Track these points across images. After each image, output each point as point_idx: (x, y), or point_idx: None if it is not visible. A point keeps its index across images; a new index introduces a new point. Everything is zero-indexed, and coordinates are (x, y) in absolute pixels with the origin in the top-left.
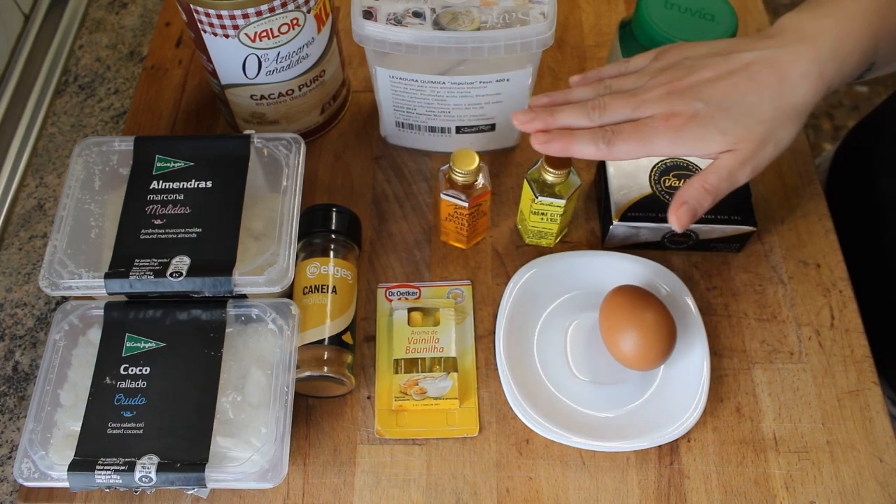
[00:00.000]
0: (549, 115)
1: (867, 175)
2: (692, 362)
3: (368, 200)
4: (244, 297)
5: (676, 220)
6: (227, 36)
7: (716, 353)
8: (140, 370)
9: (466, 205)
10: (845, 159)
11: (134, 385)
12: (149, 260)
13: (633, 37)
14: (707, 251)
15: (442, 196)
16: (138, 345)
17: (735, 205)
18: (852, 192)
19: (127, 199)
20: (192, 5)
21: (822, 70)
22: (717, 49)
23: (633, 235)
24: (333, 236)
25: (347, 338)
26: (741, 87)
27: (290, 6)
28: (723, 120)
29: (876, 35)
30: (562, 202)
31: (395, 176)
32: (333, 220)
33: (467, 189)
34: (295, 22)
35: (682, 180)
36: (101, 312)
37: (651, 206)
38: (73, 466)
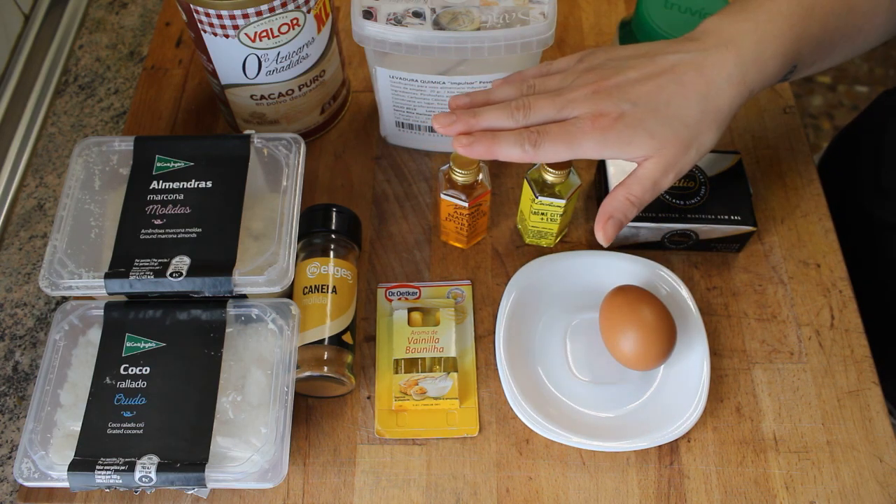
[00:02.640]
0: (472, 116)
1: (851, 188)
2: (692, 362)
3: (368, 200)
4: (244, 297)
5: (603, 235)
6: (227, 36)
7: (716, 353)
8: (140, 370)
9: (466, 205)
10: (827, 174)
11: (134, 385)
12: (149, 260)
13: (633, 37)
14: (707, 251)
15: (442, 196)
16: (138, 345)
17: (735, 205)
18: (835, 206)
19: (127, 199)
20: (192, 5)
21: (744, 73)
22: (642, 51)
23: (633, 235)
24: (333, 236)
25: (347, 338)
26: (668, 89)
27: (290, 6)
28: (651, 121)
29: (798, 38)
30: (562, 202)
31: (395, 176)
32: (333, 220)
33: (467, 189)
34: (295, 22)
35: (682, 180)
36: (101, 312)
37: (651, 206)
38: (73, 466)
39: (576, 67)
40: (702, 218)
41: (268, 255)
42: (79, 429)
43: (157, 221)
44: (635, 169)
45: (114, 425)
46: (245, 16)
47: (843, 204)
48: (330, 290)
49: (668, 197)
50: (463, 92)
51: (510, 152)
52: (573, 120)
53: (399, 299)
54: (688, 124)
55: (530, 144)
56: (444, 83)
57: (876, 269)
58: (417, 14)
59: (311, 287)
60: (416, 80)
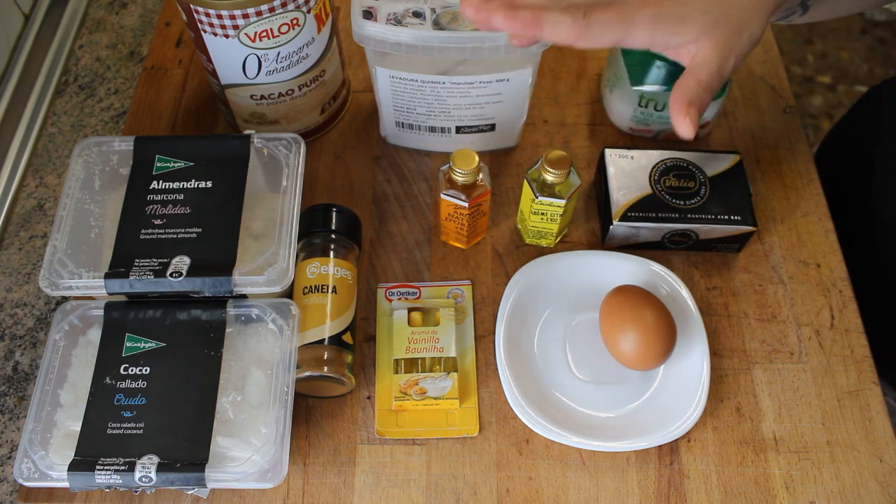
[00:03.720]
0: None
1: (837, 194)
2: (692, 362)
3: (368, 200)
4: (244, 297)
5: (689, 122)
6: (227, 36)
7: (716, 353)
8: (140, 370)
9: (466, 205)
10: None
11: (134, 385)
12: (149, 260)
13: None
14: (707, 251)
15: (442, 196)
16: (138, 345)
17: (735, 205)
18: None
19: (127, 199)
20: (192, 5)
21: None
22: None
23: (633, 235)
24: (333, 236)
25: (347, 338)
26: None
27: (290, 6)
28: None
29: None
30: (562, 202)
31: (395, 176)
32: (333, 220)
33: (467, 189)
34: (295, 22)
35: (683, 180)
36: (101, 312)
37: (651, 206)
38: (73, 466)
39: None
40: (702, 218)
41: (268, 255)
42: (79, 429)
43: (157, 221)
44: (692, 60)
45: (114, 425)
46: (245, 16)
47: (839, 205)
48: (330, 290)
49: (668, 197)
50: (462, 92)
51: (558, 26)
52: None
53: (399, 299)
54: (738, 5)
55: (582, 14)
56: (444, 83)
57: (875, 268)
58: (417, 14)
59: (311, 287)
60: (416, 80)
